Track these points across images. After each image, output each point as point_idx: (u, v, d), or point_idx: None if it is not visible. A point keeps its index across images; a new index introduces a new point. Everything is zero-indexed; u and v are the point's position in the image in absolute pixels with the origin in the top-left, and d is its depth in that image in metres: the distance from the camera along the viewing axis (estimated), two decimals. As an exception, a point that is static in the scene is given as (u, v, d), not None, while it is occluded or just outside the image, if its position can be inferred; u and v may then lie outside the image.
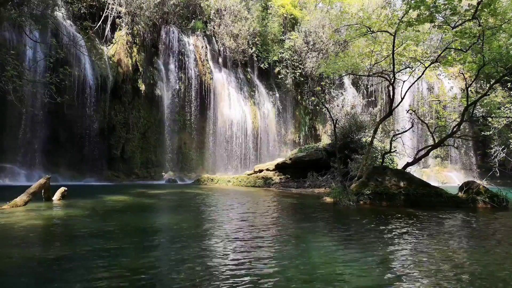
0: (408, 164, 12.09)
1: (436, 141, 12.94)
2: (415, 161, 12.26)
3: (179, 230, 5.84)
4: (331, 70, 14.85)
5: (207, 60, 23.35)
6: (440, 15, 10.70)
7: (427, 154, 13.32)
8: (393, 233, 5.82)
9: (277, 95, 26.70)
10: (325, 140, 23.81)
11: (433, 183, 12.74)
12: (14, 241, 4.73)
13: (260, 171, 18.26)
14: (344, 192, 9.84)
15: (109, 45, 19.75)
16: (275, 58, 25.91)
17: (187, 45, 22.51)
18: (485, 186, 10.54)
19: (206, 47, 23.68)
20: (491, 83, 12.12)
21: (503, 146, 20.54)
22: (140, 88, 20.48)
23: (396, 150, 13.90)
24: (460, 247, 4.94)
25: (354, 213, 8.36)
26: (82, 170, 17.75)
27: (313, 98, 26.37)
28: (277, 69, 26.42)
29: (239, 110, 23.82)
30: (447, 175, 26.20)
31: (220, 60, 24.61)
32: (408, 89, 13.11)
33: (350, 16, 13.57)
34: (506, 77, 13.46)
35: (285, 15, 27.16)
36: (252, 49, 24.89)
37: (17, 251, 4.25)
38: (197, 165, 22.54)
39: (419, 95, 27.55)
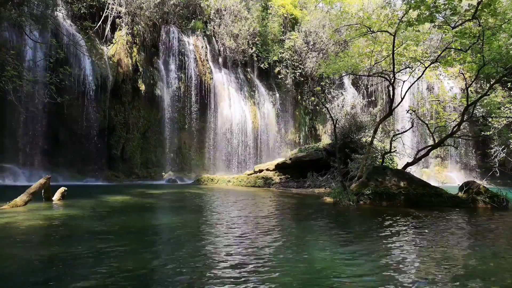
0: (408, 164, 12.08)
1: (436, 141, 12.94)
2: (415, 161, 12.25)
3: (179, 230, 5.84)
4: (331, 70, 14.85)
5: (207, 60, 23.35)
6: (440, 15, 10.70)
7: (427, 154, 13.32)
8: (394, 233, 5.82)
9: (277, 95, 26.69)
10: (325, 140, 23.80)
11: (433, 183, 12.73)
12: (14, 241, 4.73)
13: (260, 171, 18.25)
14: (344, 192, 9.84)
15: (109, 45, 19.74)
16: (275, 58, 25.89)
17: (187, 45, 22.50)
18: (485, 186, 10.53)
19: (206, 47, 23.67)
20: (491, 83, 12.11)
21: (503, 146, 20.53)
22: (140, 88, 20.48)
23: (396, 150, 13.90)
24: (460, 246, 4.94)
25: (354, 213, 8.36)
26: (82, 170, 17.74)
27: (313, 98, 26.38)
28: (277, 69, 26.41)
29: (239, 110, 23.82)
30: (447, 175, 26.19)
31: (220, 60, 24.61)
32: (408, 89, 13.10)
33: (350, 16, 13.57)
34: (506, 77, 13.46)
35: (285, 15, 27.16)
36: (252, 49, 24.88)
37: (17, 251, 4.25)
38: (197, 165, 22.53)
39: (419, 95, 27.53)
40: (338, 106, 20.13)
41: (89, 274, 3.42)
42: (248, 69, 26.21)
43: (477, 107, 15.22)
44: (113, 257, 3.99)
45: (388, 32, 11.90)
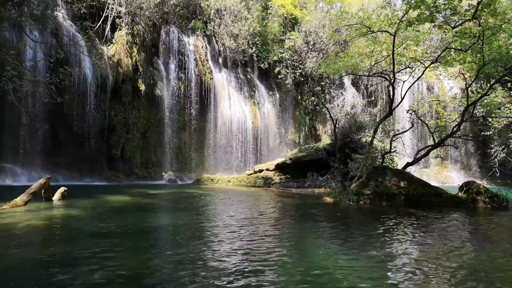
0: (408, 164, 12.08)
1: (436, 141, 12.94)
2: (415, 161, 12.25)
3: (179, 230, 5.84)
4: (331, 70, 14.83)
5: (207, 60, 23.36)
6: (440, 15, 10.70)
7: (427, 154, 13.32)
8: (394, 233, 5.82)
9: (277, 95, 26.70)
10: (325, 140, 23.81)
11: (433, 183, 12.73)
12: (14, 241, 4.72)
13: (260, 171, 18.26)
14: (344, 192, 9.84)
15: (109, 45, 19.75)
16: (275, 58, 25.91)
17: (187, 45, 22.50)
18: (485, 186, 10.53)
19: (206, 47, 23.68)
20: (491, 83, 12.11)
21: (503, 146, 20.52)
22: (140, 88, 20.49)
23: (396, 150, 13.90)
24: (460, 247, 4.94)
25: (354, 213, 8.36)
26: (82, 170, 17.75)
27: (313, 98, 26.38)
28: (277, 69, 26.42)
29: (239, 110, 23.83)
30: (447, 175, 26.20)
31: (220, 60, 24.61)
32: (408, 89, 13.11)
33: (350, 16, 13.57)
34: (506, 77, 13.46)
35: (285, 15, 27.16)
36: (252, 49, 24.89)
37: (17, 251, 4.25)
38: (197, 165, 22.54)
39: (419, 95, 27.54)
40: (338, 106, 20.13)
41: (89, 274, 3.42)
42: (248, 69, 26.22)
43: (477, 107, 15.22)
44: (113, 258, 3.99)
45: (388, 32, 11.90)
